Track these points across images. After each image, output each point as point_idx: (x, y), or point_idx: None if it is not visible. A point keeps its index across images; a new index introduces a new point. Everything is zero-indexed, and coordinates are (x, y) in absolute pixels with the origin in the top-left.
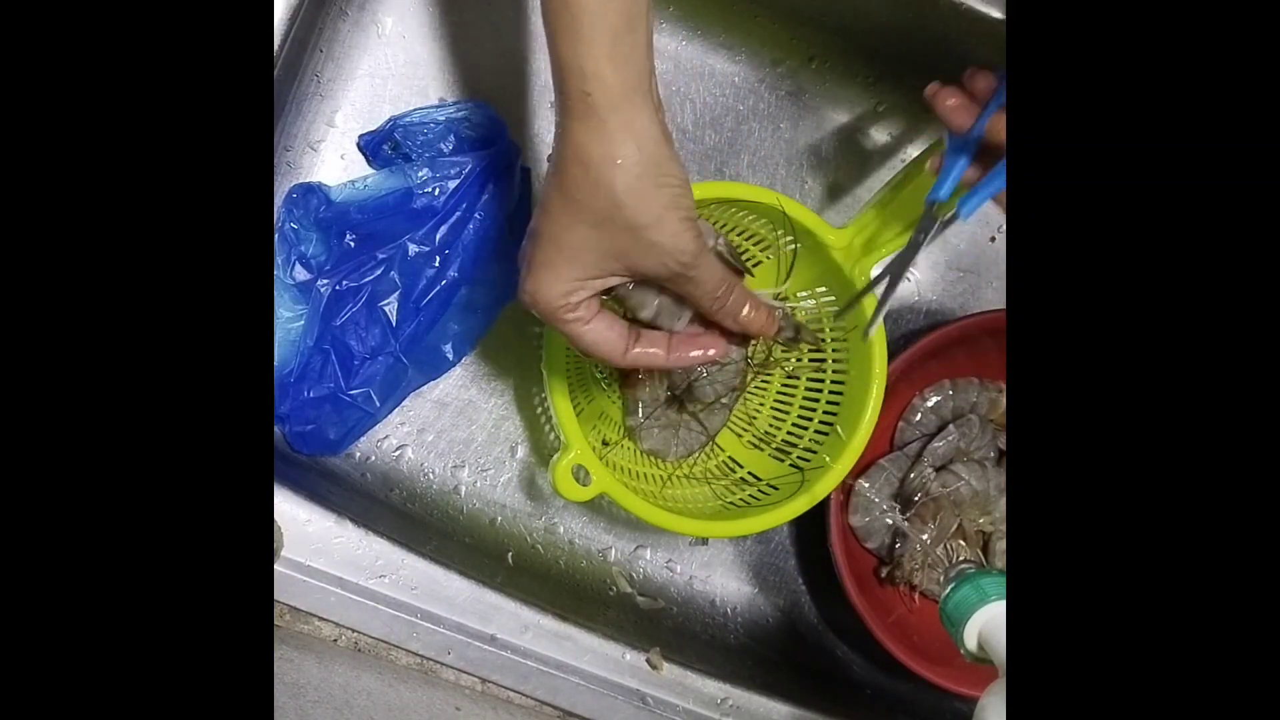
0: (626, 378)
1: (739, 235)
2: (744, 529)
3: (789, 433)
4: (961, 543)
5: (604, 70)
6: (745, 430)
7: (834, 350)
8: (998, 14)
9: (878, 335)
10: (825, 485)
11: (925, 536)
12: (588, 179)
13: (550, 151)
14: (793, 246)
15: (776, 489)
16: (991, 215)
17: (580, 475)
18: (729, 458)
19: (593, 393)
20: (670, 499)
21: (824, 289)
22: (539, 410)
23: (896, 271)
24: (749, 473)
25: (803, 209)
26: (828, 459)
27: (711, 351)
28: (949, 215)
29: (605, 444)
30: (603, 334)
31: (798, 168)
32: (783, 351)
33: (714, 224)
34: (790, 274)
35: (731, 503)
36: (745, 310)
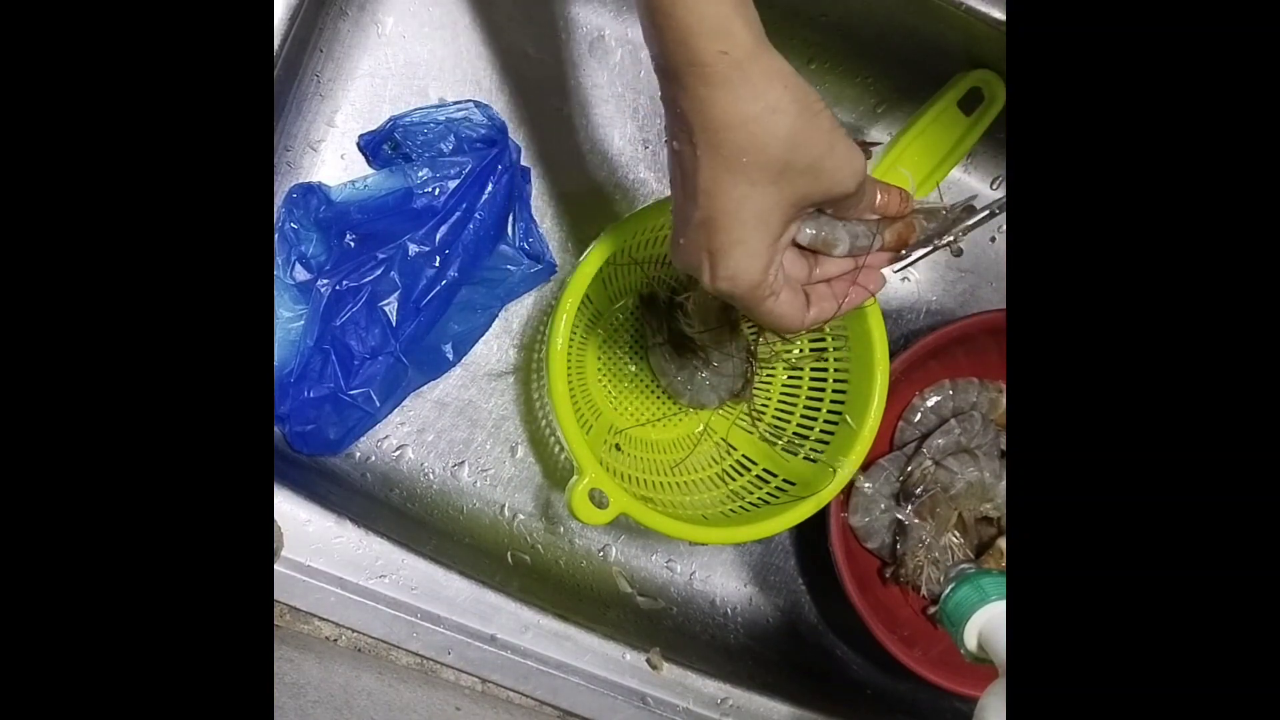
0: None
1: None
2: (770, 529)
3: (799, 426)
4: (959, 538)
5: (734, 25)
6: (755, 427)
7: (834, 341)
8: (998, 14)
9: (875, 322)
10: (845, 472)
11: (926, 532)
12: (752, 138)
13: (666, 134)
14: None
15: (794, 484)
16: None
17: (597, 497)
18: (742, 455)
19: (589, 388)
20: (685, 506)
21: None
22: (541, 418)
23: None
24: (764, 469)
25: None
26: (840, 457)
27: (872, 287)
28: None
29: (618, 449)
30: (790, 302)
31: None
32: (783, 345)
33: None
34: None
35: (750, 503)
36: (893, 199)
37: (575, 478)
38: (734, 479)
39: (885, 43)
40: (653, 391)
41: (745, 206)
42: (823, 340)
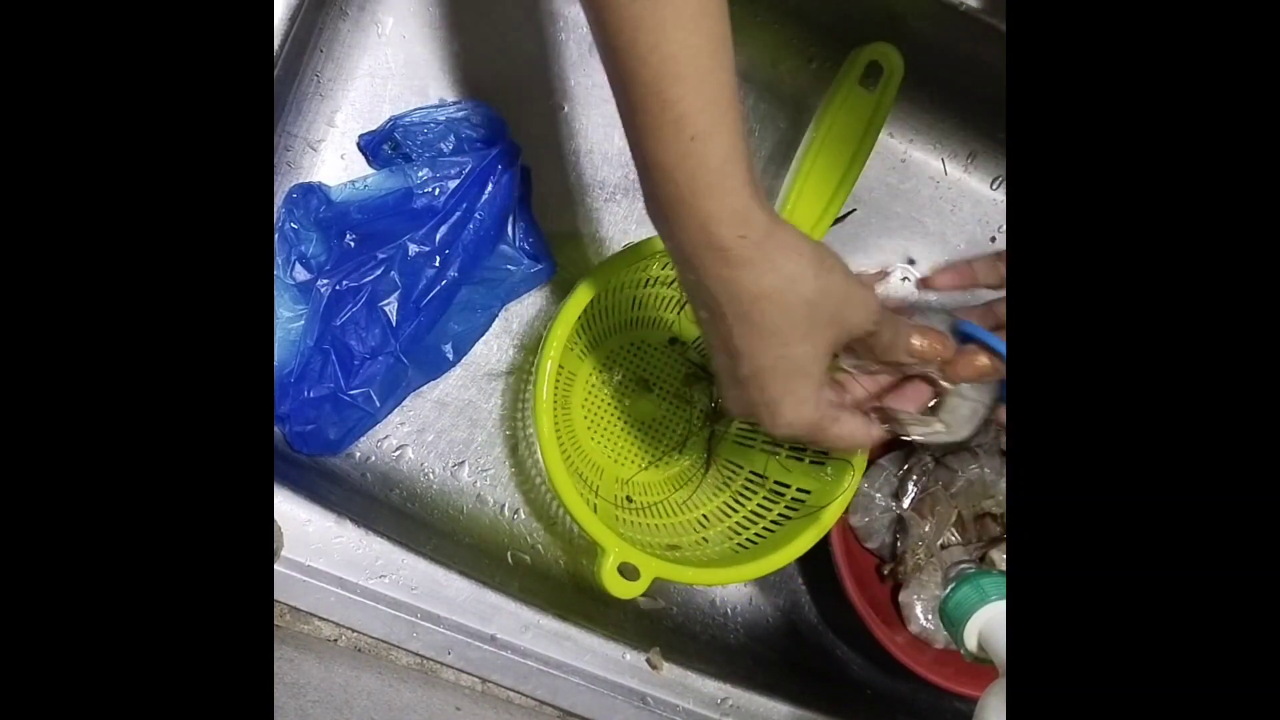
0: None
1: (670, 286)
2: (800, 547)
3: None
4: (958, 537)
5: (753, 211)
6: (754, 439)
7: None
8: (998, 14)
9: None
10: (860, 464)
11: (926, 530)
12: (778, 308)
13: (685, 285)
14: None
15: (808, 492)
16: (991, 215)
17: (626, 570)
18: (750, 473)
19: (582, 445)
20: (711, 540)
21: None
22: (528, 428)
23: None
24: (775, 483)
25: None
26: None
27: (924, 397)
28: None
29: (629, 500)
30: (853, 425)
31: None
32: None
33: (646, 275)
34: None
35: (772, 521)
36: (917, 339)
37: (600, 557)
38: (748, 499)
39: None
40: (648, 430)
41: (784, 364)
42: None
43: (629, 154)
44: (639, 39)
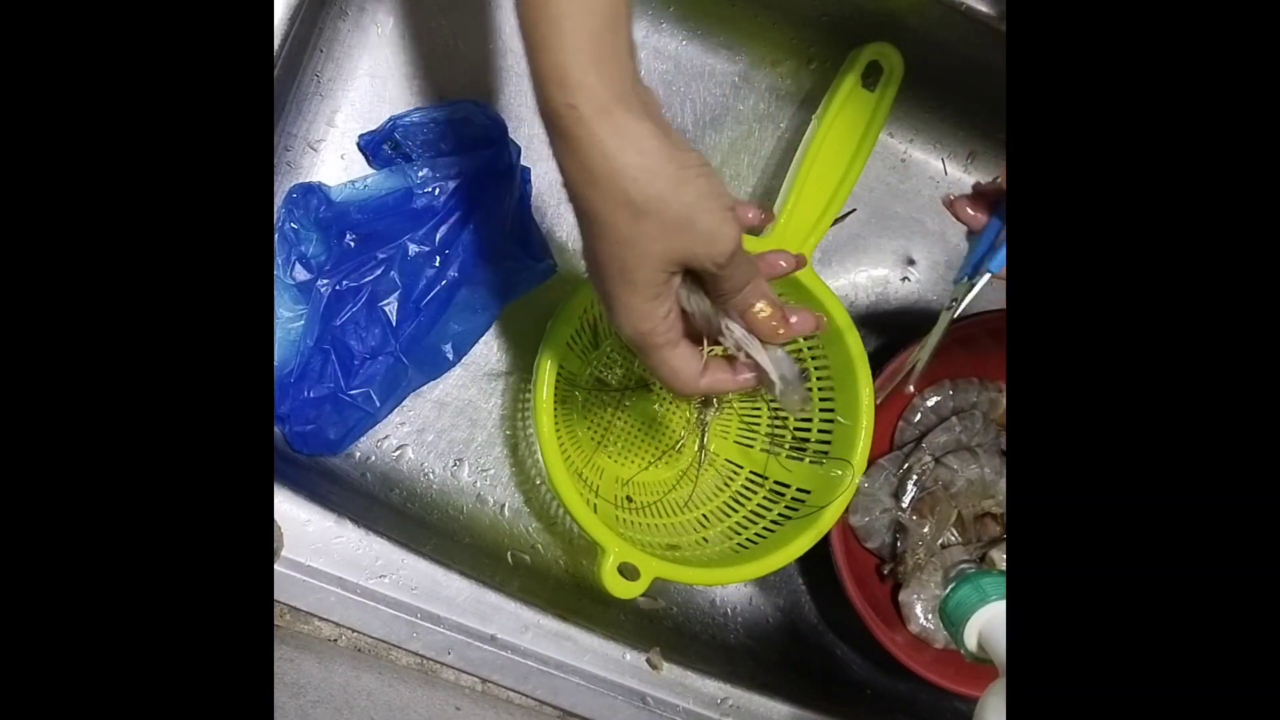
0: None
1: None
2: (801, 546)
3: (796, 431)
4: (958, 537)
5: (588, 78)
6: (754, 439)
7: (806, 342)
8: (997, 14)
9: (838, 313)
10: (859, 465)
11: (926, 530)
12: (604, 198)
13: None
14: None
15: (809, 492)
16: None
17: (626, 570)
18: (750, 473)
19: (583, 446)
20: (711, 540)
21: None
22: (528, 428)
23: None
24: (775, 483)
25: None
26: (845, 455)
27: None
28: (981, 276)
29: (629, 500)
30: (685, 359)
31: None
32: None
33: None
34: None
35: (773, 520)
36: (762, 307)
37: (600, 557)
38: (748, 499)
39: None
40: (648, 430)
41: (614, 263)
42: (795, 343)
43: None
44: None
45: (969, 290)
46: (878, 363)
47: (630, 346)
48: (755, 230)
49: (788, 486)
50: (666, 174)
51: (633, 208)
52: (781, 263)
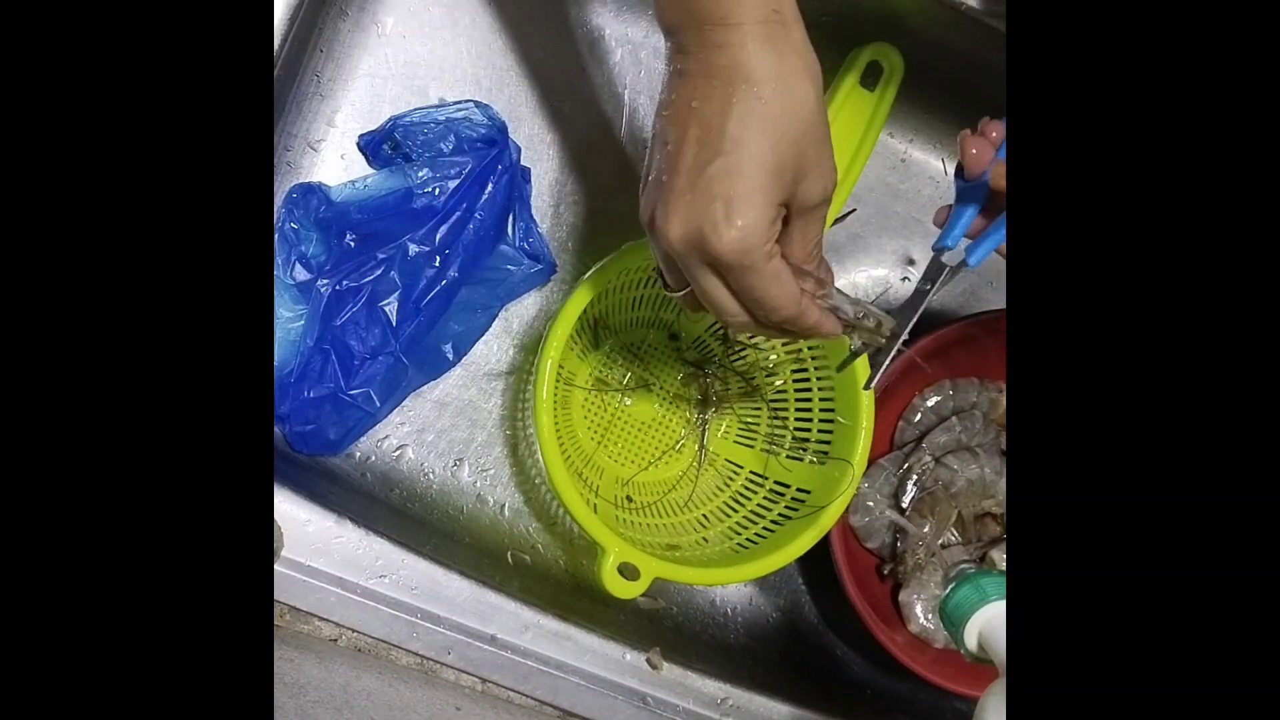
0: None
1: None
2: (801, 546)
3: (795, 431)
4: (958, 537)
5: None
6: (754, 439)
7: (806, 342)
8: (998, 14)
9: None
10: (859, 465)
11: (926, 530)
12: (786, 96)
13: (653, 110)
14: None
15: (809, 492)
16: None
17: (626, 570)
18: (750, 473)
19: (581, 445)
20: (711, 540)
21: None
22: (528, 428)
23: (902, 324)
24: (775, 483)
25: None
26: (845, 455)
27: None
28: (957, 263)
29: (629, 500)
30: (788, 275)
31: None
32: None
33: (646, 275)
34: None
35: (773, 520)
36: (815, 257)
37: (600, 557)
38: (748, 499)
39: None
40: (648, 430)
41: (769, 159)
42: (795, 344)
43: (629, 154)
44: None
45: (945, 273)
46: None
47: (737, 259)
48: None
49: (788, 486)
50: (821, 103)
51: (809, 113)
52: None
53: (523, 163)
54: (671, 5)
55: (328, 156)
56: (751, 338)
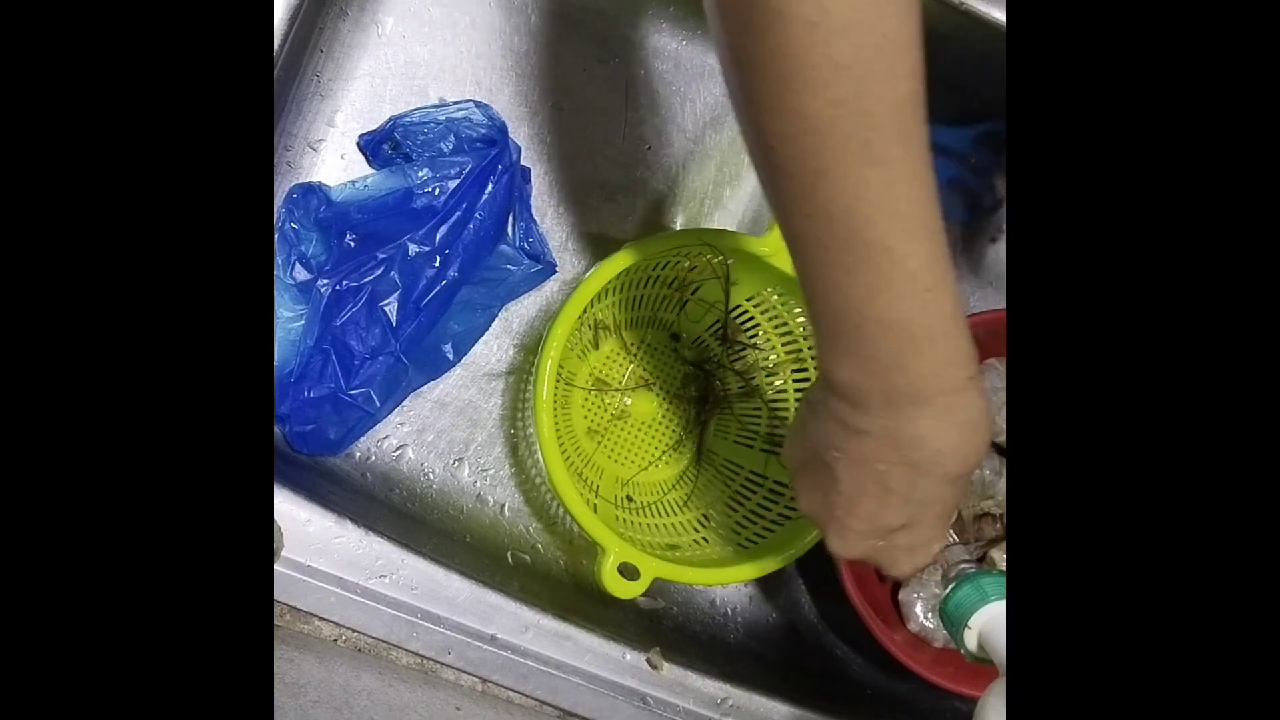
0: None
1: (670, 286)
2: (798, 549)
3: None
4: (957, 537)
5: (968, 346)
6: (754, 440)
7: (806, 343)
8: (998, 14)
9: None
10: None
11: None
12: (968, 454)
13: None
14: (728, 261)
15: None
16: (991, 216)
17: (626, 570)
18: (750, 473)
19: (581, 445)
20: (712, 541)
21: (771, 289)
22: (528, 428)
23: None
24: (775, 482)
25: (725, 232)
26: None
27: None
28: None
29: (629, 500)
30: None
31: None
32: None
33: (646, 275)
34: (729, 287)
35: (772, 520)
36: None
37: (600, 557)
38: (748, 499)
39: None
40: (648, 430)
41: (950, 509)
42: (795, 344)
43: (629, 154)
44: (862, 199)
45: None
46: None
47: (854, 555)
48: None
49: (787, 486)
50: (977, 451)
51: (977, 455)
52: None
53: (523, 163)
54: (855, 369)
55: (328, 156)
56: (751, 337)
